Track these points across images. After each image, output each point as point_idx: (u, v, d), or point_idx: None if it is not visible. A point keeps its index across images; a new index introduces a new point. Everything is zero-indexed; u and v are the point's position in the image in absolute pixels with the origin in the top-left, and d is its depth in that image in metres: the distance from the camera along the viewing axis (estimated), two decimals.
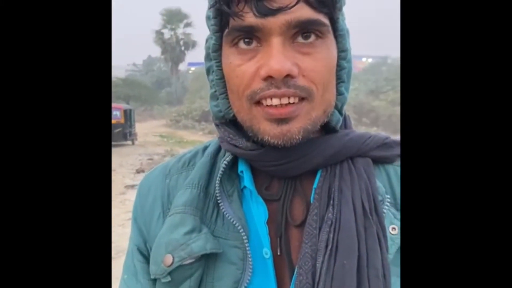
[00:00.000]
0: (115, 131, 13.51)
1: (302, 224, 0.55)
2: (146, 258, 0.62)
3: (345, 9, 0.55)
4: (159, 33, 35.04)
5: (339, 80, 0.55)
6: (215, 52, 0.55)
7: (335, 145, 0.56)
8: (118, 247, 3.66)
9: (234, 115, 0.56)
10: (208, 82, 0.60)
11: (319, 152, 0.55)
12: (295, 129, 0.51)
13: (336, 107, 0.56)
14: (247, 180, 0.58)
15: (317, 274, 0.50)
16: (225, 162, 0.58)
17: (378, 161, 0.59)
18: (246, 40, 0.51)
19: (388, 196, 0.56)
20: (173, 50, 35.32)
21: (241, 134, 0.58)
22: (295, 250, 0.55)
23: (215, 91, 0.57)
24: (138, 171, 8.56)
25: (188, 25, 34.83)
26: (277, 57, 0.48)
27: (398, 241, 0.53)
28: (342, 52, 0.54)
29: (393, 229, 0.54)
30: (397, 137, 0.62)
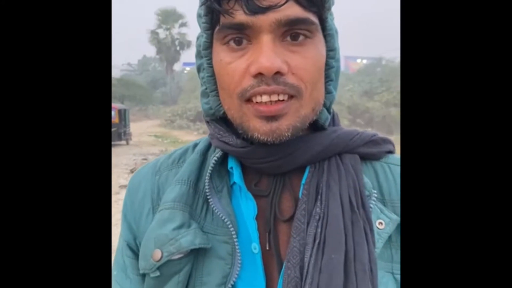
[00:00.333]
0: None
1: (290, 219, 0.55)
2: (136, 254, 0.62)
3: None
4: (154, 33, 34.95)
5: (328, 78, 0.56)
6: (206, 50, 0.55)
7: (323, 142, 0.57)
8: (113, 246, 3.64)
9: (224, 112, 0.57)
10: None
11: (307, 149, 0.56)
12: (284, 126, 0.51)
13: (324, 105, 0.57)
14: (236, 176, 0.58)
15: (305, 268, 0.51)
16: (215, 158, 0.59)
17: (366, 158, 0.60)
18: (236, 39, 0.51)
19: (375, 191, 0.57)
20: (168, 50, 35.25)
21: (231, 131, 0.58)
22: (283, 245, 0.55)
23: (206, 89, 0.58)
24: (132, 171, 8.54)
25: (183, 25, 34.78)
26: (267, 54, 0.48)
27: (385, 235, 0.54)
28: (331, 51, 0.55)
29: (380, 224, 0.55)
30: (391, 137, 0.63)
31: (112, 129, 13.82)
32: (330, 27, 0.54)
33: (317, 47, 0.53)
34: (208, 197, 0.58)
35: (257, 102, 0.51)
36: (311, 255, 0.51)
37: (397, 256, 0.55)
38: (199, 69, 0.59)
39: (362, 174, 0.57)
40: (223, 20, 0.50)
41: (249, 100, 0.51)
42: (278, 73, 0.49)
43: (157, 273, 0.55)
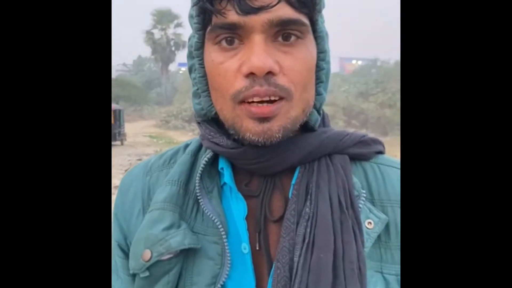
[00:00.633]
0: None
1: (280, 220, 0.56)
2: (126, 254, 0.62)
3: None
4: (149, 33, 34.90)
5: (318, 80, 0.56)
6: (197, 50, 0.56)
7: (313, 143, 0.57)
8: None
9: (216, 113, 0.57)
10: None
11: (297, 150, 0.56)
12: (276, 127, 0.51)
13: (314, 106, 0.57)
14: (227, 176, 0.58)
15: (294, 268, 0.51)
16: (205, 158, 0.59)
17: (355, 158, 0.60)
18: (228, 39, 0.51)
19: (364, 191, 0.57)
20: (163, 51, 35.20)
21: (222, 132, 0.58)
22: (273, 245, 0.56)
23: (198, 89, 0.58)
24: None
25: (178, 25, 34.75)
26: (258, 54, 0.49)
27: (374, 235, 0.55)
28: (321, 53, 0.56)
29: (369, 224, 0.55)
30: (386, 138, 0.64)
31: None
32: (320, 29, 0.55)
33: (308, 48, 0.53)
34: (199, 197, 0.58)
35: (249, 103, 0.51)
36: (300, 255, 0.51)
37: (386, 256, 0.56)
38: (190, 70, 0.59)
39: (352, 174, 0.57)
40: (215, 20, 0.51)
41: (242, 102, 0.52)
42: (269, 73, 0.49)
43: (147, 273, 0.55)
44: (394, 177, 0.60)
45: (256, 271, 0.56)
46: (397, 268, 0.55)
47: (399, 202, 0.58)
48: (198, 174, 0.58)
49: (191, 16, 0.56)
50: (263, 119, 0.51)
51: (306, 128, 0.58)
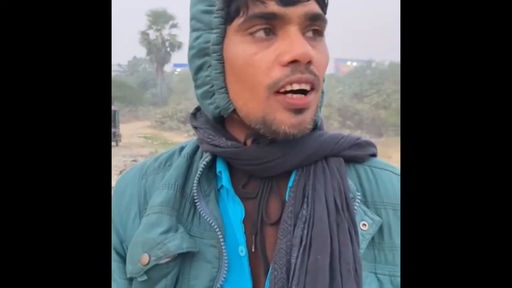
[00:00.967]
0: None
1: (277, 222, 0.56)
2: (122, 257, 0.62)
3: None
4: (144, 34, 34.80)
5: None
6: (217, 45, 0.54)
7: (312, 145, 0.57)
8: None
9: (233, 110, 0.56)
10: (193, 83, 0.59)
11: (297, 152, 0.56)
12: (309, 119, 0.53)
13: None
14: (225, 179, 0.58)
15: (292, 269, 0.51)
16: (204, 162, 0.59)
17: (349, 161, 0.61)
18: (266, 29, 0.52)
19: (359, 194, 0.58)
20: (159, 51, 35.12)
21: (221, 134, 0.59)
22: (270, 247, 0.56)
23: (211, 87, 0.56)
24: (122, 173, 8.47)
25: (173, 26, 34.69)
26: (301, 42, 0.50)
27: (368, 236, 0.55)
28: None
29: (364, 225, 0.56)
30: (381, 139, 0.64)
31: None
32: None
33: (325, 45, 0.56)
34: (196, 201, 0.58)
35: (286, 94, 0.51)
36: (297, 256, 0.52)
37: (379, 257, 0.57)
38: (199, 69, 0.57)
39: (347, 177, 0.58)
40: (254, 9, 0.50)
41: (277, 92, 0.52)
42: (309, 62, 0.51)
43: (145, 277, 0.55)
44: (386, 179, 0.61)
45: (253, 274, 0.56)
46: (390, 269, 0.56)
47: (392, 204, 0.59)
48: (196, 178, 0.58)
49: (206, 12, 0.54)
50: (299, 110, 0.52)
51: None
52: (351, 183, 0.58)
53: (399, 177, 0.61)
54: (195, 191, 0.58)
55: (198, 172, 0.59)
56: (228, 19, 0.53)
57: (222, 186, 0.60)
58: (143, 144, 15.22)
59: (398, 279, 0.55)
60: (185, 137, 17.61)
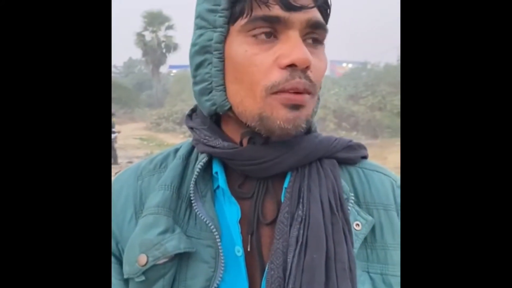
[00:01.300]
0: None
1: (272, 223, 0.57)
2: (118, 258, 0.62)
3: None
4: (140, 35, 34.71)
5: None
6: (220, 43, 0.55)
7: (307, 147, 0.59)
8: None
9: (229, 108, 0.57)
10: (189, 84, 0.60)
11: (293, 154, 0.58)
12: (303, 116, 0.54)
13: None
14: (221, 180, 0.59)
15: (288, 269, 0.52)
16: (200, 163, 0.60)
17: (342, 162, 0.63)
18: (268, 32, 0.53)
19: (352, 194, 0.60)
20: (154, 53, 35.04)
21: (217, 135, 0.59)
22: (265, 247, 0.57)
23: (210, 84, 0.57)
24: (117, 174, 8.43)
25: (169, 27, 34.62)
26: (301, 47, 0.51)
27: (361, 236, 0.57)
28: None
29: (357, 225, 0.57)
30: (376, 141, 0.66)
31: None
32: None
33: (324, 53, 0.57)
34: (193, 202, 0.59)
35: (282, 90, 0.52)
36: (293, 256, 0.53)
37: (372, 256, 0.58)
38: (199, 66, 0.58)
39: (340, 178, 0.59)
40: (258, 12, 0.52)
41: (275, 92, 0.53)
42: (307, 67, 0.52)
43: (142, 278, 0.56)
44: (377, 180, 0.63)
45: (249, 273, 0.57)
46: (381, 268, 0.57)
47: (383, 205, 0.60)
48: (193, 179, 0.59)
49: (211, 11, 0.55)
50: (295, 106, 0.53)
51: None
52: (345, 184, 0.60)
53: (389, 178, 0.64)
54: (192, 192, 0.59)
55: (195, 173, 0.59)
56: (232, 19, 0.54)
57: (218, 186, 0.60)
58: (139, 145, 15.17)
59: (389, 277, 0.57)
60: (181, 138, 17.56)
